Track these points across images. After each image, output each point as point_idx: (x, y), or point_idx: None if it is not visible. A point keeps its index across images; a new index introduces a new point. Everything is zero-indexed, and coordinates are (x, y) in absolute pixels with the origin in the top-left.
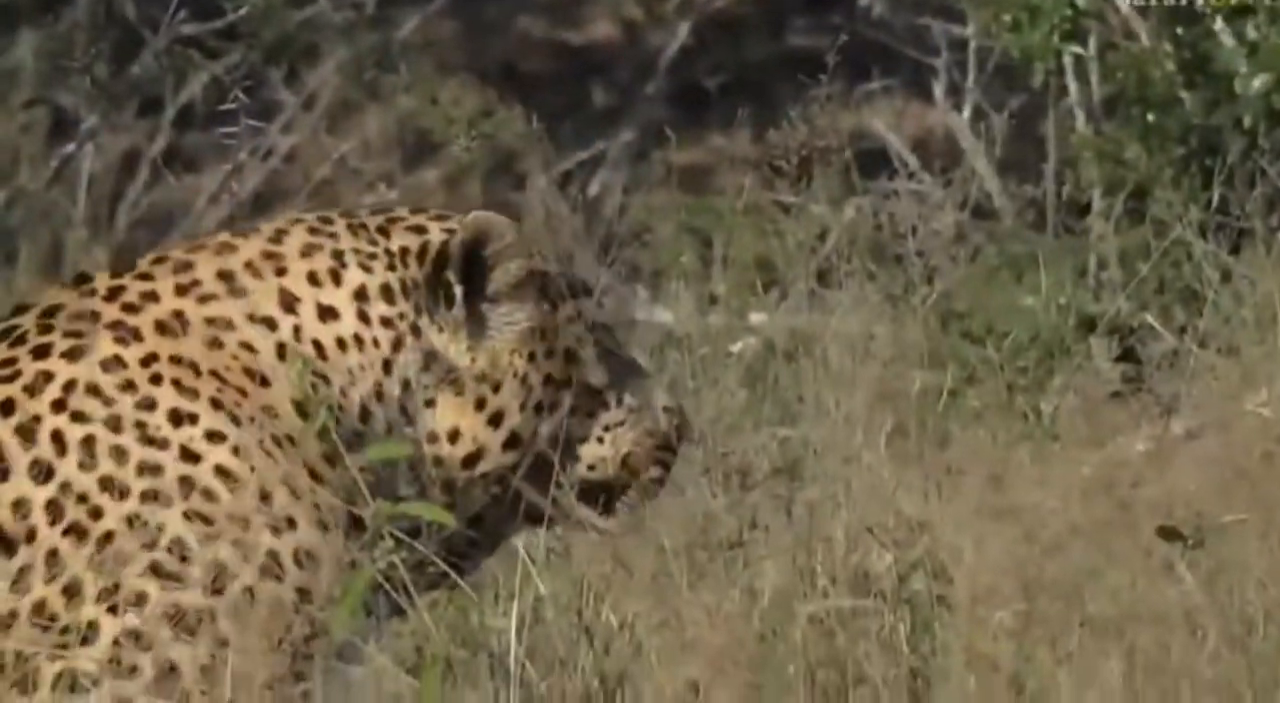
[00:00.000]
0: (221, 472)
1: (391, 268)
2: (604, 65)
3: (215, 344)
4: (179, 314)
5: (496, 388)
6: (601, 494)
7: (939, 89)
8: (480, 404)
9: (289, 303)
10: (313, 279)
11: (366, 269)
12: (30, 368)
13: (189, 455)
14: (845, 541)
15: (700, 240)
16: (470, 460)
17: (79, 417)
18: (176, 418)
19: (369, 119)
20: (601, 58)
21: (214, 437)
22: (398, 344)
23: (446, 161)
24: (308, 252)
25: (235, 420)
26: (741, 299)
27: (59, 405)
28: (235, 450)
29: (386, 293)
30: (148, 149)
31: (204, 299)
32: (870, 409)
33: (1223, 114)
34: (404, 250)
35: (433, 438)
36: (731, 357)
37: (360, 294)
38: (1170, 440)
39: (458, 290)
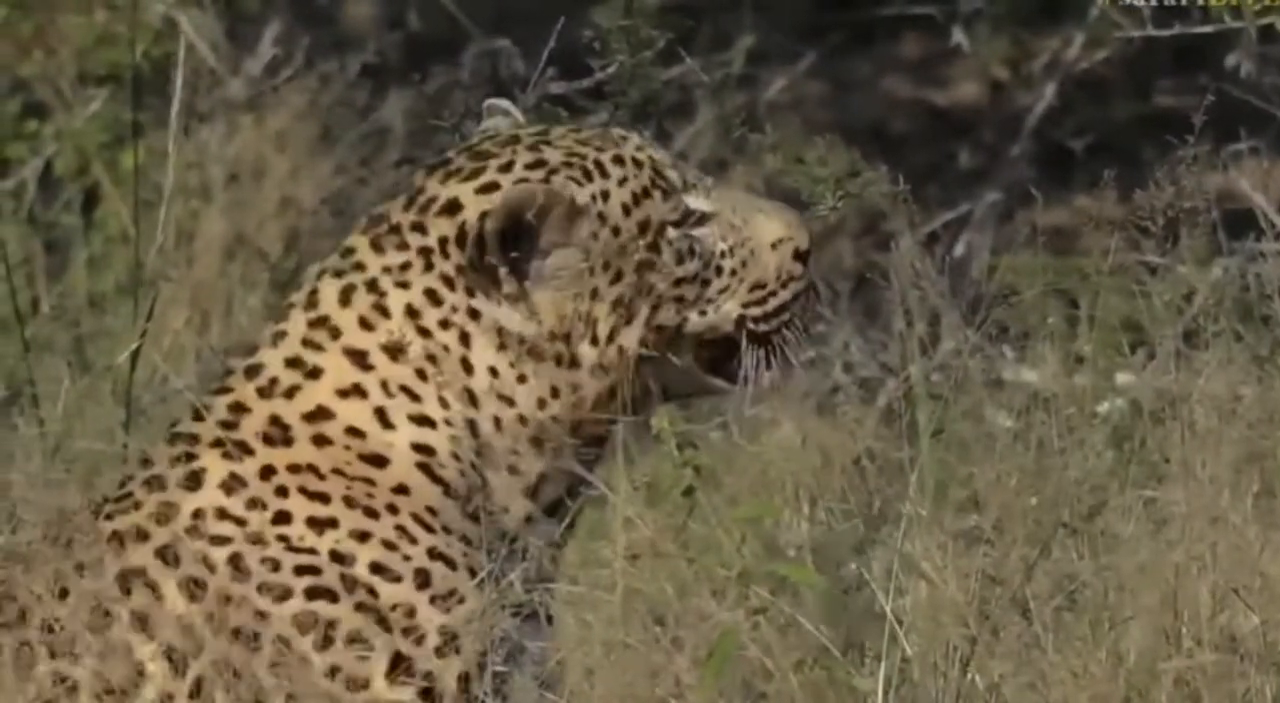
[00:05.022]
0: (376, 568)
1: (429, 267)
2: (970, 126)
3: (324, 442)
4: (276, 420)
5: (568, 338)
6: (741, 353)
7: None
8: (559, 360)
9: (361, 361)
10: (364, 324)
11: (404, 286)
12: (151, 499)
13: (340, 558)
14: (1211, 602)
15: (1066, 301)
16: (577, 405)
17: (218, 540)
18: (316, 525)
19: (736, 177)
20: (967, 119)
21: (359, 536)
22: (465, 339)
23: (813, 221)
24: (345, 299)
25: (373, 514)
26: (1108, 360)
27: (194, 531)
28: (385, 545)
29: (432, 296)
30: None
31: (289, 395)
32: (1237, 471)
33: None
34: (443, 241)
35: (541, 404)
36: (1098, 418)
37: (410, 312)
38: None
39: (502, 272)
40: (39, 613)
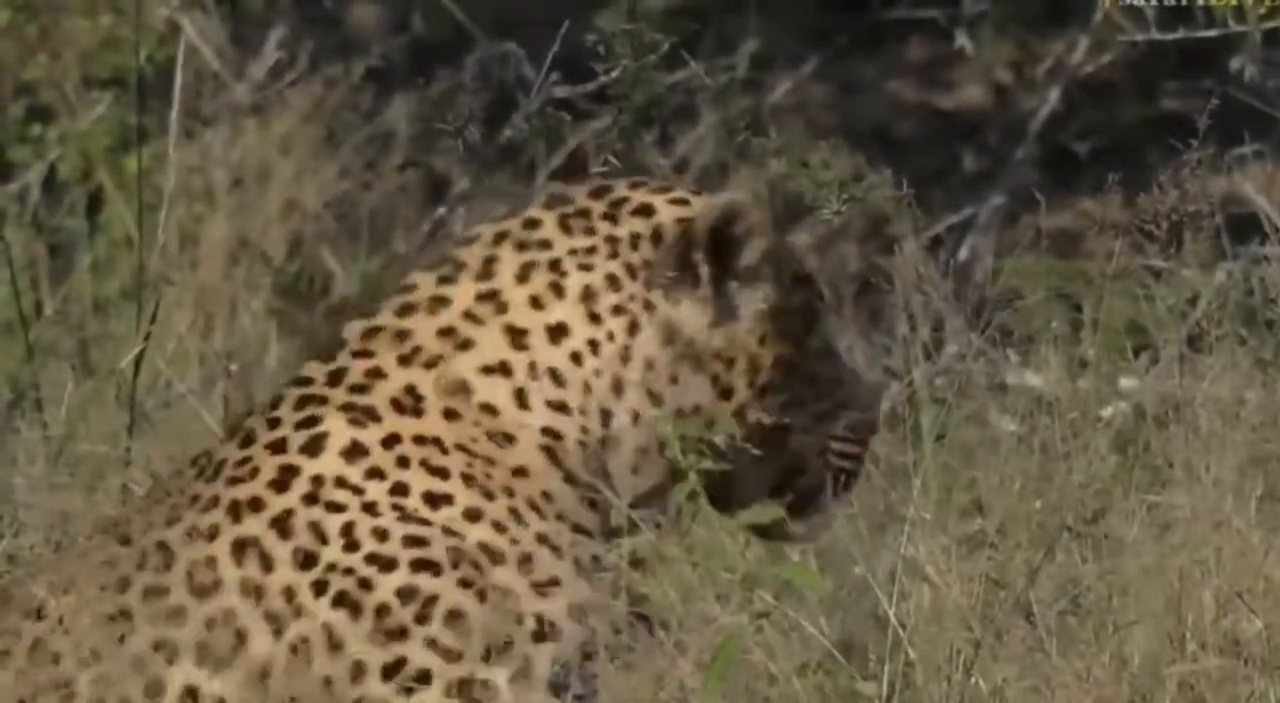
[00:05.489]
0: (484, 548)
1: (614, 255)
2: (974, 130)
3: (454, 415)
4: (411, 389)
5: (730, 364)
6: (809, 473)
7: None
8: (715, 380)
9: (518, 340)
10: (535, 303)
11: (586, 268)
12: (270, 463)
13: (451, 533)
14: (1215, 606)
15: (1070, 305)
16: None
17: (334, 507)
18: (432, 500)
19: (740, 182)
20: (971, 122)
21: (472, 515)
22: (633, 327)
23: (817, 225)
24: (524, 275)
25: (488, 495)
26: (1112, 364)
27: (310, 499)
28: (495, 526)
29: (612, 281)
30: None
31: (430, 365)
32: (1240, 475)
33: None
34: (634, 236)
35: (680, 415)
36: (1101, 422)
37: (586, 295)
38: None
39: (704, 271)
40: (137, 583)
